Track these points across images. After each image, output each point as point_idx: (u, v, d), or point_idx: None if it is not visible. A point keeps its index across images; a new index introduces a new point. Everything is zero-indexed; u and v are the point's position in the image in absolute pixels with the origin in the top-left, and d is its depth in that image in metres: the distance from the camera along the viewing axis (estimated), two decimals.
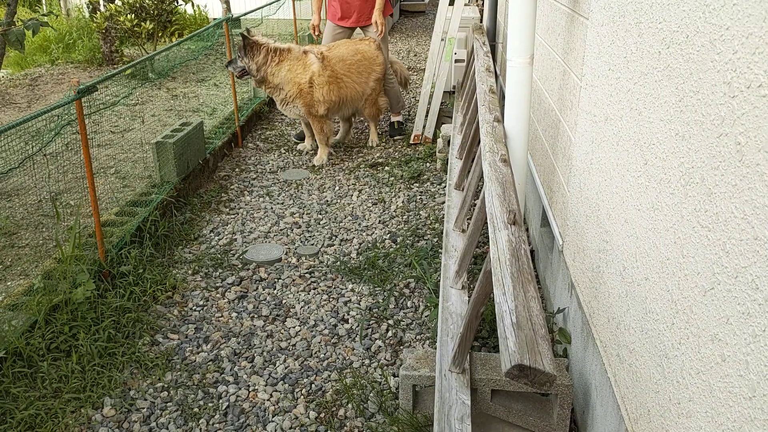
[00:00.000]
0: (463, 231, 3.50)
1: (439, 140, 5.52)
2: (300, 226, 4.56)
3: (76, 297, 3.17)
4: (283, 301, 3.68)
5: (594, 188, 2.53)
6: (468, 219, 3.66)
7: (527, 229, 4.29)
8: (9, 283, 3.53)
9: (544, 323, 1.72)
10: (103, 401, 2.85)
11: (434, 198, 4.97)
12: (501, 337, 1.69)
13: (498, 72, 6.38)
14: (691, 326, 1.54)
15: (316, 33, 6.28)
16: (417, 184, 5.23)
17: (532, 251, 3.98)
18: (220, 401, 2.90)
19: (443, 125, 5.69)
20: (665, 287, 1.72)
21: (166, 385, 2.97)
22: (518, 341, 1.61)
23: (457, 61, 6.62)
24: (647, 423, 1.84)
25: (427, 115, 6.12)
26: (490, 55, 4.71)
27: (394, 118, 6.41)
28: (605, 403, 2.29)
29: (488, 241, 4.21)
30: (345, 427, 2.75)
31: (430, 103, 6.10)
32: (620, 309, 2.13)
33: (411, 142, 6.13)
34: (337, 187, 5.22)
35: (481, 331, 3.23)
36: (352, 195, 5.08)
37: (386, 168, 5.58)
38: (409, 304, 3.62)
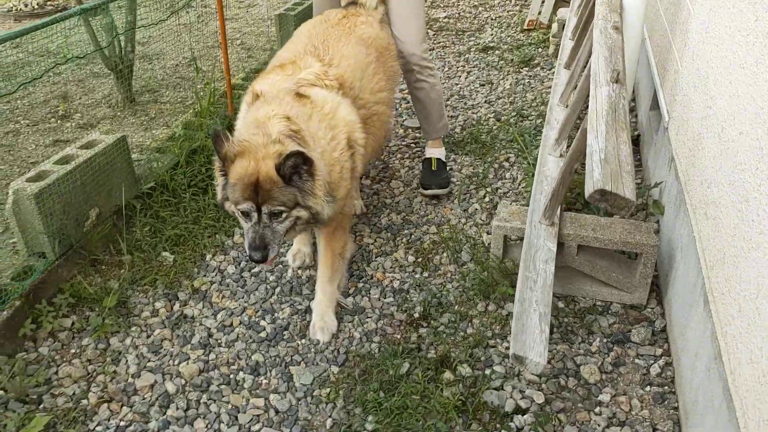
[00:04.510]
0: (567, 106, 3.57)
1: (554, 25, 5.42)
2: (408, 101, 4.75)
3: (211, 144, 3.60)
4: (390, 165, 3.96)
5: (706, 57, 2.53)
6: (573, 94, 3.70)
7: (635, 116, 4.26)
8: (154, 131, 4.04)
9: (631, 162, 1.86)
10: (234, 231, 3.31)
11: (543, 82, 4.97)
12: (588, 172, 1.85)
13: None
14: None
15: None
16: (527, 69, 5.22)
17: (638, 136, 3.98)
18: None
19: (560, 9, 5.55)
20: (755, 136, 1.80)
21: None
22: (603, 172, 1.77)
23: None
24: (722, 266, 1.97)
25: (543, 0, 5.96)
26: None
27: (432, 152, 3.72)
28: (688, 261, 2.42)
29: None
30: (439, 271, 3.06)
31: None
32: (713, 169, 2.21)
33: (525, 27, 6.03)
34: (446, 68, 5.33)
35: (575, 204, 3.36)
36: (460, 76, 5.17)
37: (497, 52, 5.58)
38: (507, 175, 3.79)
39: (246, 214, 2.36)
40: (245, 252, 2.47)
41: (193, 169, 3.54)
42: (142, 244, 3.14)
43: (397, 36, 3.38)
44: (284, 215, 2.35)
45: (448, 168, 3.76)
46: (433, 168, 3.64)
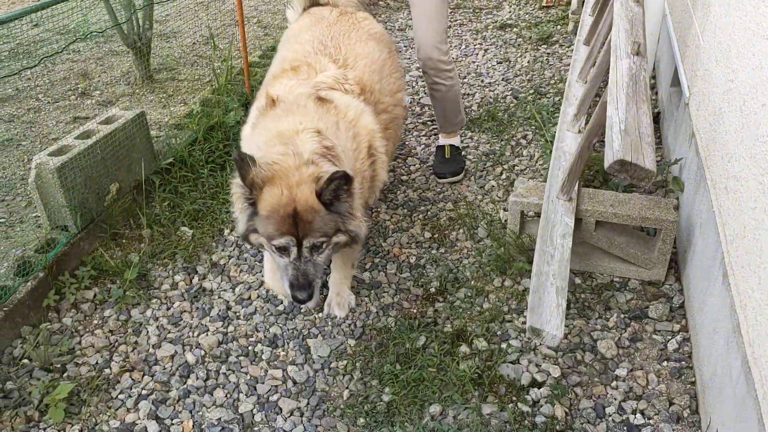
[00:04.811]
0: (586, 82, 3.53)
1: (574, 1, 5.35)
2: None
3: (228, 120, 3.63)
4: (406, 143, 3.96)
5: (728, 30, 2.49)
6: (592, 70, 3.66)
7: (656, 93, 4.21)
8: (172, 108, 4.06)
9: (651, 133, 1.84)
10: None
11: (561, 59, 4.91)
12: (607, 143, 1.84)
13: None
14: None
15: None
16: (545, 46, 5.17)
17: (658, 113, 3.94)
18: None
19: None
20: None
21: None
22: (623, 143, 1.76)
23: None
24: (742, 240, 1.96)
25: None
26: None
27: (445, 140, 3.65)
28: (707, 236, 2.40)
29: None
30: (455, 247, 3.06)
31: None
32: (734, 143, 2.19)
33: (544, 4, 5.96)
34: (463, 46, 5.28)
35: (594, 181, 3.34)
36: (477, 54, 5.13)
37: (515, 29, 5.52)
38: (524, 153, 3.77)
39: (283, 250, 2.09)
40: (286, 292, 2.18)
41: (211, 145, 3.57)
42: (161, 218, 3.17)
43: (414, 37, 3.32)
44: (325, 245, 2.11)
45: (462, 151, 3.70)
46: (446, 155, 3.57)
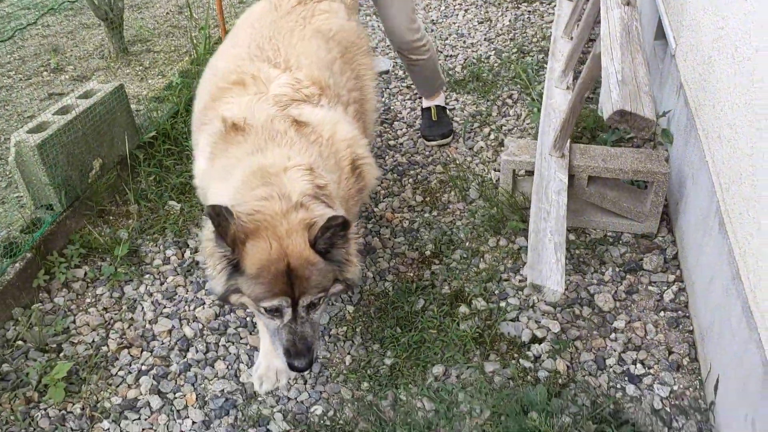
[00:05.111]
0: (572, 38, 3.50)
1: None
2: None
3: None
4: (391, 108, 3.91)
5: None
6: (578, 25, 3.63)
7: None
8: (150, 81, 3.96)
9: (648, 83, 1.83)
10: None
11: (543, 17, 4.86)
12: (605, 94, 1.82)
13: None
14: None
15: None
16: (525, 4, 5.10)
17: None
18: None
19: None
20: None
21: None
22: (622, 93, 1.74)
23: None
24: (738, 186, 1.97)
25: None
26: None
27: (430, 102, 3.61)
28: (699, 186, 2.41)
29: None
30: (448, 209, 3.05)
31: None
32: (727, 90, 2.18)
33: None
34: (443, 7, 5.20)
35: (581, 138, 3.33)
36: (457, 14, 5.06)
37: None
38: (511, 112, 3.75)
39: (275, 311, 1.79)
40: (282, 358, 1.87)
41: None
42: (148, 193, 3.11)
43: (383, 24, 3.21)
44: (322, 300, 1.84)
45: (449, 112, 3.68)
46: (433, 118, 3.55)
